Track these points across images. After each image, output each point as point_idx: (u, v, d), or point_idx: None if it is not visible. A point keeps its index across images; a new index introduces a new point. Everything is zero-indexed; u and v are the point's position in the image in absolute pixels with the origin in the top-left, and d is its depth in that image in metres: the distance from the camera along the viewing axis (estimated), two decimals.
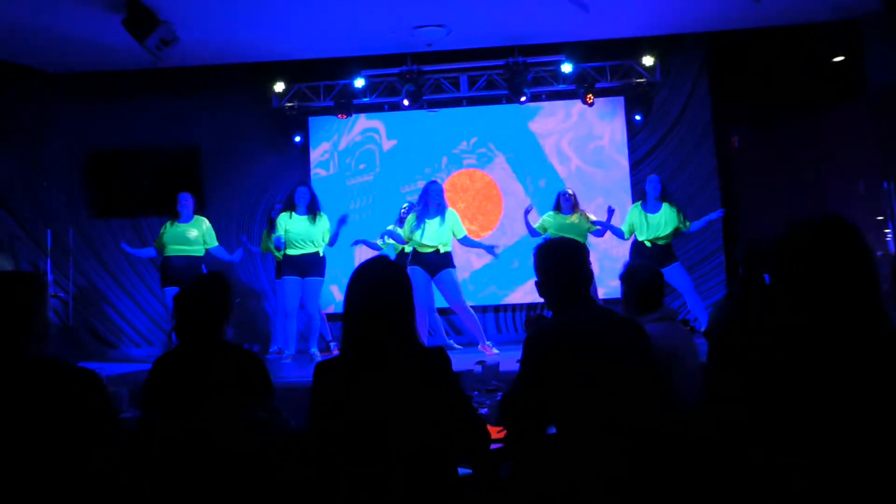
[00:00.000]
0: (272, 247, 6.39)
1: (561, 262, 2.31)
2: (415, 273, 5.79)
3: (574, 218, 6.36)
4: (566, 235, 6.23)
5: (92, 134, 7.67)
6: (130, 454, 2.10)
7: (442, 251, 5.89)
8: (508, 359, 4.07)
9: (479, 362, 3.82)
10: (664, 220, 6.16)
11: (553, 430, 2.18)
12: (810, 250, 1.63)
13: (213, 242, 6.31)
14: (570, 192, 6.47)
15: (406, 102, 7.27)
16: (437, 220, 5.87)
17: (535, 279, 2.38)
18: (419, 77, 7.27)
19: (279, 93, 7.54)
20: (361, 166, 7.81)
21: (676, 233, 6.23)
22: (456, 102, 7.75)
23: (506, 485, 2.23)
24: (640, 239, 6.26)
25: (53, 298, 7.20)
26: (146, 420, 2.34)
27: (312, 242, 6.06)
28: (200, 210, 6.63)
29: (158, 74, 7.16)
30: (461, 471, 2.14)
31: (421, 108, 7.52)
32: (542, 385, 2.13)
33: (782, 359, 1.58)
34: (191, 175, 7.54)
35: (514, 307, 7.64)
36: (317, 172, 7.80)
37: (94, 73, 7.26)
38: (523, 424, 2.22)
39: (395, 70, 7.29)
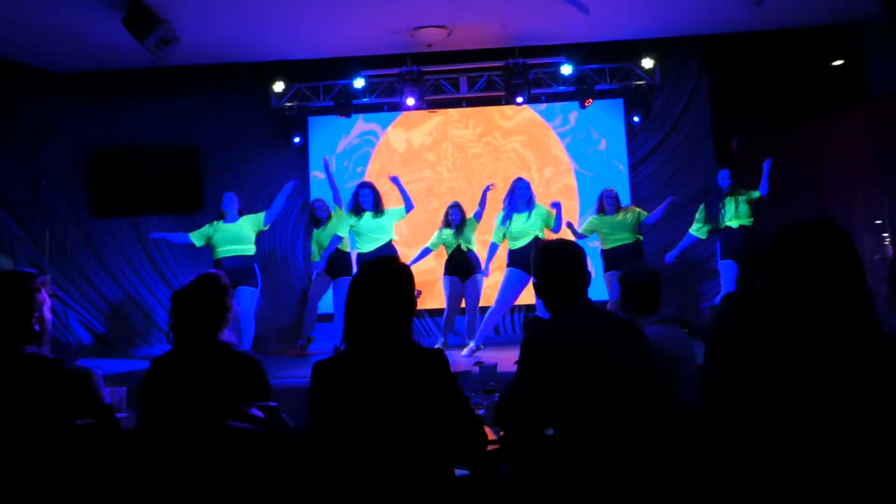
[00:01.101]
0: (323, 243, 6.39)
1: (559, 263, 2.32)
2: (511, 275, 5.82)
3: (619, 216, 6.35)
4: (617, 234, 6.26)
5: (92, 133, 7.65)
6: (127, 454, 2.10)
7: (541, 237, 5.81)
8: (506, 360, 4.06)
9: (477, 363, 3.81)
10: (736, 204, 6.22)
11: (551, 432, 2.18)
12: (799, 253, 1.65)
13: (262, 222, 6.08)
14: (612, 192, 6.43)
15: (410, 102, 7.27)
16: (525, 214, 5.86)
17: (533, 280, 2.38)
18: (419, 77, 7.27)
19: (279, 93, 7.55)
20: (359, 169, 7.82)
21: (755, 201, 6.19)
22: (456, 103, 7.76)
23: (504, 486, 2.23)
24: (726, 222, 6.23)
25: (53, 298, 7.18)
26: (143, 420, 2.34)
27: (385, 234, 6.05)
28: (199, 210, 6.61)
29: (158, 74, 7.15)
30: (457, 472, 2.13)
31: (421, 108, 7.52)
32: (539, 386, 2.13)
33: (778, 359, 1.59)
34: (190, 175, 7.54)
35: (513, 308, 7.60)
36: (315, 175, 7.79)
37: (95, 71, 7.26)
38: (521, 426, 2.22)
39: (395, 70, 7.30)
